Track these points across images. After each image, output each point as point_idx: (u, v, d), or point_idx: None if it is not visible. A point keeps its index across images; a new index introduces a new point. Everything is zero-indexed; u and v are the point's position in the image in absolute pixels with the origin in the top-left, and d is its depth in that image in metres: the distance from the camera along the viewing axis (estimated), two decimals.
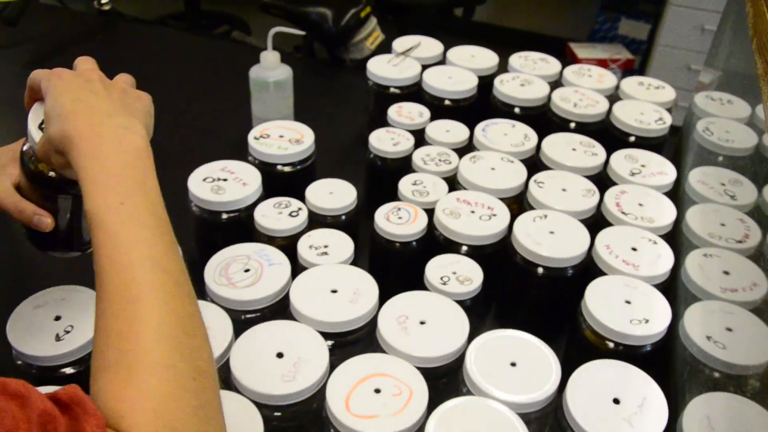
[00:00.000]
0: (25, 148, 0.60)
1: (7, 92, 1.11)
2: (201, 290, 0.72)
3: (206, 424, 0.42)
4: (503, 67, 1.16)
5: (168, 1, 2.76)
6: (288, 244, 0.79)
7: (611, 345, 0.70)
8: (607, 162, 0.94)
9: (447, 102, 1.07)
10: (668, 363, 0.71)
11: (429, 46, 1.18)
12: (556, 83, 1.12)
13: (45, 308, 0.67)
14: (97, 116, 0.51)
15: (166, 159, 1.12)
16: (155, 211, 0.48)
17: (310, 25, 1.35)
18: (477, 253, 0.80)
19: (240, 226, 0.84)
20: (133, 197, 0.47)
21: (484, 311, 0.85)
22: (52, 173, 0.58)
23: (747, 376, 0.67)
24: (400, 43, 1.17)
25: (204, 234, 0.85)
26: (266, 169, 0.89)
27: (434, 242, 0.83)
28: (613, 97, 1.09)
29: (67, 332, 0.65)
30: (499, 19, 2.75)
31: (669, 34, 2.15)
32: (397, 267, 0.84)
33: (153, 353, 0.42)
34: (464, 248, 0.81)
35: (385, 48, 1.39)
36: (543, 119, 1.06)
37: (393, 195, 0.89)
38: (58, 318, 0.67)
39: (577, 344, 0.73)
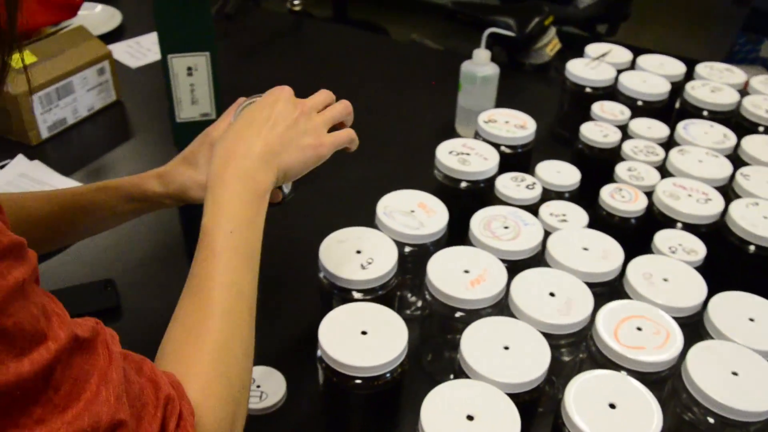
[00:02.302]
0: None
1: (224, 79, 1.28)
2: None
3: (235, 422, 0.54)
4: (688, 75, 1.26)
5: (317, 9, 2.95)
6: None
7: None
8: None
9: (640, 103, 1.18)
10: None
11: (619, 52, 1.29)
12: (741, 91, 1.21)
13: (347, 243, 0.82)
14: (236, 151, 0.61)
15: (383, 139, 1.29)
16: (254, 246, 0.59)
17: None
18: (692, 231, 0.90)
19: (475, 195, 0.96)
20: (242, 230, 0.58)
21: None
22: None
23: None
24: (593, 49, 1.29)
25: (444, 198, 0.97)
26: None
27: (649, 220, 0.94)
28: None
29: (369, 263, 0.79)
30: (632, 38, 2.83)
31: None
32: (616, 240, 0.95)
33: (220, 363, 0.53)
34: (679, 225, 0.91)
35: (561, 55, 1.52)
36: (730, 122, 1.15)
37: (599, 180, 1.00)
38: (359, 252, 0.81)
39: None
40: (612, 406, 0.64)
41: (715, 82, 1.21)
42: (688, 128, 1.09)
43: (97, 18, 1.64)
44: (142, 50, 1.56)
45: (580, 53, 1.29)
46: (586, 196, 0.99)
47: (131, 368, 0.48)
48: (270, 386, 0.81)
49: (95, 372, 0.43)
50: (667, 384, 0.73)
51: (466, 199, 0.96)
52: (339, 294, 0.79)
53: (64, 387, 0.41)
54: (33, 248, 0.85)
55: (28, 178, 1.16)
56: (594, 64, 1.23)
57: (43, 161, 1.20)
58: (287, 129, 0.64)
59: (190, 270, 0.58)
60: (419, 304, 0.91)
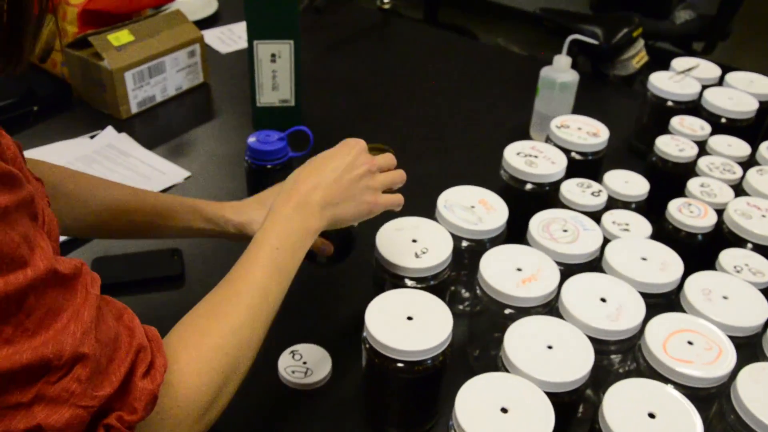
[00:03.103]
0: None
1: (307, 69, 1.32)
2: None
3: (219, 396, 0.57)
4: None
5: (408, 10, 2.99)
6: None
7: None
8: None
9: (723, 120, 1.14)
10: None
11: (707, 67, 1.26)
12: None
13: (404, 231, 0.83)
14: (300, 191, 0.69)
15: (456, 138, 1.30)
16: (290, 268, 0.66)
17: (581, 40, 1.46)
18: (762, 252, 0.87)
19: (539, 197, 0.96)
20: (285, 251, 0.66)
21: None
22: None
23: None
24: (679, 63, 1.25)
25: (507, 198, 0.97)
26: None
27: (717, 238, 0.91)
28: None
29: (424, 253, 0.80)
30: (730, 58, 2.73)
31: None
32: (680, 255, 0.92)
33: (224, 339, 0.59)
34: (749, 245, 0.88)
35: (648, 69, 1.48)
36: None
37: (670, 195, 0.98)
38: (414, 241, 0.82)
39: None
40: (651, 415, 0.63)
41: None
42: None
43: (195, 4, 1.71)
44: (233, 37, 1.62)
45: (668, 69, 1.26)
46: (653, 209, 0.97)
47: (111, 314, 0.51)
48: (316, 363, 0.83)
49: (69, 307, 0.46)
50: (714, 404, 0.71)
51: (529, 201, 0.96)
52: (391, 280, 0.81)
53: (36, 314, 0.44)
54: (110, 234, 0.88)
55: (114, 149, 1.23)
56: (678, 78, 1.20)
57: (130, 135, 1.26)
58: (351, 183, 0.71)
59: (233, 266, 0.65)
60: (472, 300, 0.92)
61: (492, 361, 0.83)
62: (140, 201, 0.83)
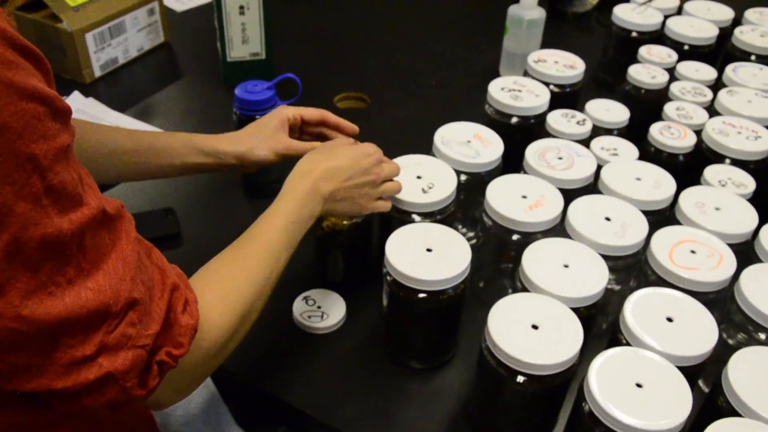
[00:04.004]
0: None
1: (274, 22, 1.31)
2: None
3: (234, 336, 0.61)
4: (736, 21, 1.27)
5: None
6: None
7: None
8: None
9: (686, 47, 1.19)
10: None
11: None
12: None
13: (408, 169, 0.84)
14: (312, 174, 0.74)
15: (428, 81, 1.29)
16: (296, 241, 0.71)
17: None
18: (741, 166, 0.92)
19: (525, 130, 0.98)
20: (296, 225, 0.71)
21: None
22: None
23: None
24: None
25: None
26: None
27: (697, 156, 0.96)
28: None
29: (430, 188, 0.82)
30: None
31: None
32: None
33: (243, 287, 0.63)
34: (728, 161, 0.93)
35: (603, 6, 1.52)
36: None
37: (647, 121, 1.02)
38: (419, 177, 0.83)
39: None
40: (669, 319, 0.67)
41: (765, 27, 1.21)
42: (737, 71, 1.10)
43: None
44: None
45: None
46: (633, 136, 1.01)
47: (144, 253, 0.52)
48: (331, 308, 0.85)
49: (114, 248, 0.47)
50: (714, 309, 0.75)
51: (515, 134, 0.98)
52: (399, 217, 0.82)
53: (90, 254, 0.45)
54: (106, 178, 0.87)
55: (84, 113, 1.20)
56: (641, 9, 1.24)
57: (97, 99, 1.23)
58: (355, 187, 0.77)
59: (253, 225, 0.69)
60: (470, 234, 0.94)
61: (499, 290, 0.86)
62: (136, 142, 0.81)
